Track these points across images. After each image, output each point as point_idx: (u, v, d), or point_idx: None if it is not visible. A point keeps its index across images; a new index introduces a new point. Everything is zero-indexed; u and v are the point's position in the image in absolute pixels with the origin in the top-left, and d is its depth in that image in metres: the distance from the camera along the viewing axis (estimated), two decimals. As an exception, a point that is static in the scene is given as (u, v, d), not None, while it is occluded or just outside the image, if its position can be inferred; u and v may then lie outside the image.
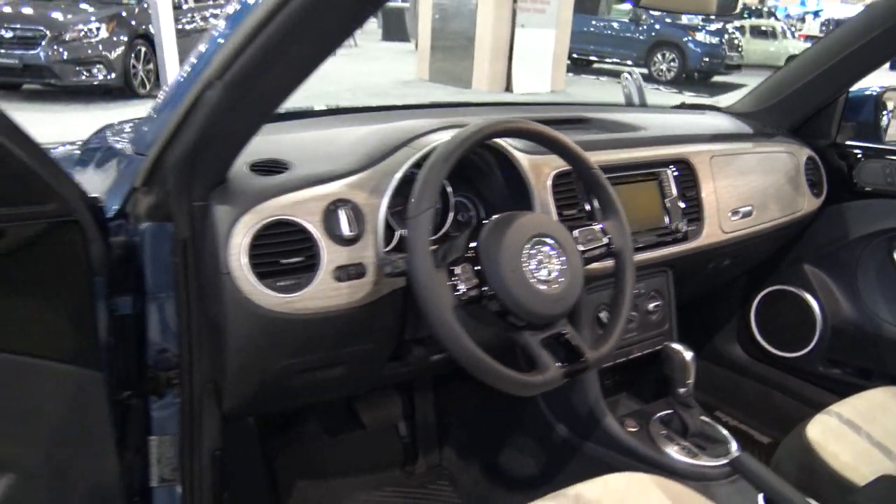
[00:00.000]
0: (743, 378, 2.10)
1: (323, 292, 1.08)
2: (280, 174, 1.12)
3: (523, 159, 1.31)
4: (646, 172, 1.52)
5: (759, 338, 2.04)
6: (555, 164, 1.34)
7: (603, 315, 1.45)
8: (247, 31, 0.86)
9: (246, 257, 1.04)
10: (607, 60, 13.82)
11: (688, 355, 1.35)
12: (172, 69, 8.22)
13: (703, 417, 1.42)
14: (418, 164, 1.15)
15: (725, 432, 1.41)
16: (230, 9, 0.93)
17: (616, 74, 12.96)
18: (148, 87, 8.01)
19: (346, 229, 1.10)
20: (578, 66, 13.68)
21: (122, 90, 7.70)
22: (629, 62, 13.00)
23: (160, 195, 1.06)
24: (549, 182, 1.33)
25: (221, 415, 1.25)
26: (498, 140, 1.28)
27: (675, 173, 1.55)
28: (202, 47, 0.97)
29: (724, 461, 1.34)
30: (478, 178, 1.37)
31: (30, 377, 0.94)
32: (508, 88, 10.10)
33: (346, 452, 1.74)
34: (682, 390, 1.37)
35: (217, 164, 1.06)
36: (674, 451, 1.38)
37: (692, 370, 1.35)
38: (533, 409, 1.56)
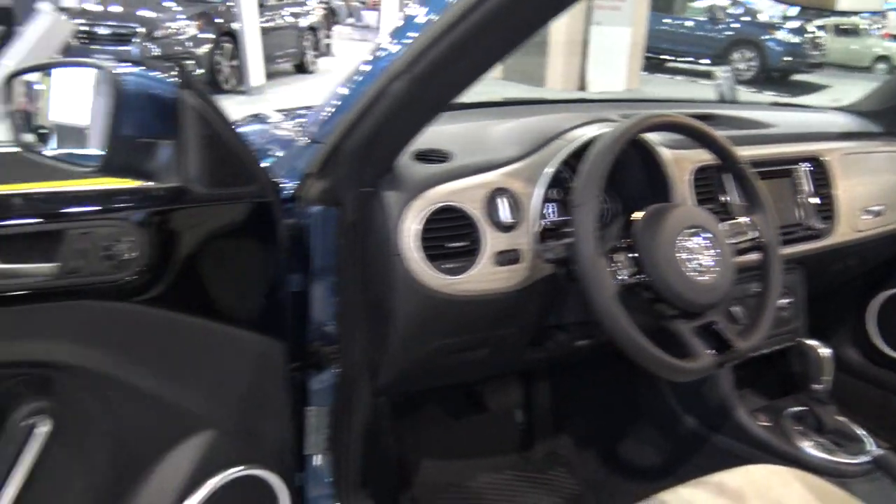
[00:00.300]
0: (859, 382, 2.06)
1: (483, 276, 1.14)
2: (442, 163, 1.18)
3: (666, 153, 1.33)
4: (780, 169, 1.52)
5: (879, 341, 2.00)
6: (695, 159, 1.36)
7: (736, 310, 1.46)
8: (440, 28, 0.91)
9: (417, 240, 1.10)
10: (681, 59, 13.57)
11: (825, 352, 1.35)
12: (256, 65, 8.50)
13: (839, 416, 1.42)
14: (574, 156, 1.20)
15: (862, 431, 1.41)
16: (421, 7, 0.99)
17: (691, 73, 12.72)
18: (232, 82, 8.26)
19: (505, 216, 1.15)
20: (652, 64, 13.46)
21: (207, 85, 7.97)
22: (705, 61, 12.73)
23: (331, 181, 1.13)
24: (690, 176, 1.35)
25: (373, 390, 1.31)
26: (643, 134, 1.31)
27: (809, 170, 1.55)
28: (387, 44, 1.03)
29: (865, 458, 1.33)
30: (617, 171, 1.40)
31: (225, 343, 1.02)
32: (582, 87, 10.03)
33: (465, 435, 1.79)
34: (818, 387, 1.37)
35: (389, 153, 1.12)
36: (809, 447, 1.38)
37: (830, 367, 1.35)
38: (658, 399, 1.58)
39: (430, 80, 0.97)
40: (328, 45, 11.76)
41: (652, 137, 1.33)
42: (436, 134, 1.27)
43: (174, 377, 0.97)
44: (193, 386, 1.00)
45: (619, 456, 1.70)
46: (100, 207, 0.88)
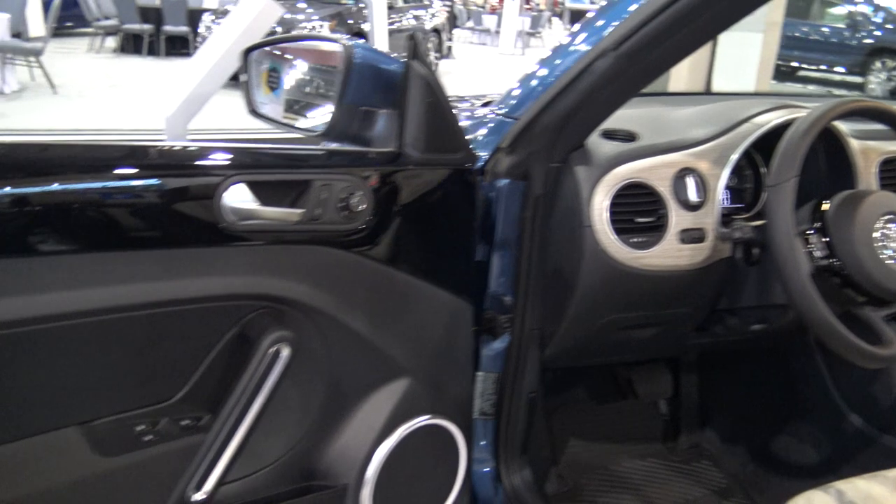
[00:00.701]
0: None
1: (668, 252, 1.17)
2: (630, 142, 1.22)
3: (854, 143, 1.32)
4: None
5: None
6: (882, 150, 1.34)
7: None
8: (654, 7, 0.96)
9: (607, 213, 1.14)
10: (813, 68, 12.91)
11: None
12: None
13: None
14: (764, 139, 1.21)
15: None
16: None
17: (824, 83, 12.09)
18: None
19: (693, 195, 1.18)
20: (780, 72, 12.88)
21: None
22: (840, 69, 12.07)
23: (522, 156, 1.19)
24: (876, 168, 1.33)
25: (540, 360, 1.37)
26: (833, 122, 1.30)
27: None
28: (594, 21, 1.08)
29: None
30: None
31: (424, 299, 1.10)
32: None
33: (610, 420, 1.82)
34: None
35: (583, 129, 1.17)
36: None
37: None
38: (820, 396, 1.55)
39: (635, 58, 1.02)
40: (449, 48, 11.99)
41: (841, 126, 1.32)
42: (619, 116, 1.31)
43: (383, 325, 1.06)
44: (396, 335, 1.08)
45: (772, 452, 1.68)
46: (338, 164, 0.98)
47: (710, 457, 1.78)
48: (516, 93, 1.26)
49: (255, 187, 0.89)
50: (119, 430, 0.88)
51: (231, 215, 0.87)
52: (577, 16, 17.97)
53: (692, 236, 1.18)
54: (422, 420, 1.13)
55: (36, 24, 8.55)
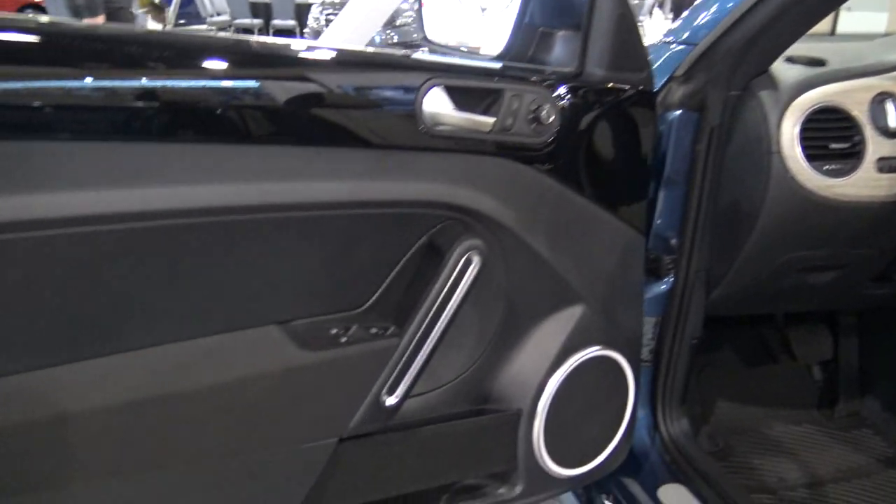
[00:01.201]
0: None
1: (864, 181, 1.10)
2: (819, 66, 1.15)
3: None
4: None
5: None
6: None
7: None
8: None
9: (798, 139, 1.08)
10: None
11: None
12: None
13: None
14: None
15: None
16: None
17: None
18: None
19: (893, 121, 1.10)
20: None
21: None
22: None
23: (698, 84, 1.14)
24: None
25: (705, 305, 1.31)
26: None
27: None
28: None
29: None
30: None
31: (601, 225, 1.07)
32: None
33: (760, 384, 1.74)
34: None
35: (768, 54, 1.11)
36: None
37: None
38: None
39: None
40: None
41: None
42: (800, 45, 1.24)
43: (561, 248, 1.04)
44: (573, 260, 1.06)
45: None
46: (526, 78, 0.96)
47: (872, 426, 1.67)
48: (694, 18, 1.21)
49: (451, 92, 0.89)
50: (315, 331, 0.89)
51: (429, 120, 0.87)
52: (680, 5, 17.42)
53: (890, 165, 1.11)
54: (594, 350, 1.10)
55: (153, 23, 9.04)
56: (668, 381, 1.34)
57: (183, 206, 0.75)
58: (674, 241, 1.26)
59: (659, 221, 1.25)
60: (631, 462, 1.28)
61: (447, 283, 0.91)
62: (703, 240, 1.24)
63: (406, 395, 0.92)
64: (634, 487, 1.32)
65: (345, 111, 0.84)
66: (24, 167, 0.67)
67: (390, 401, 0.91)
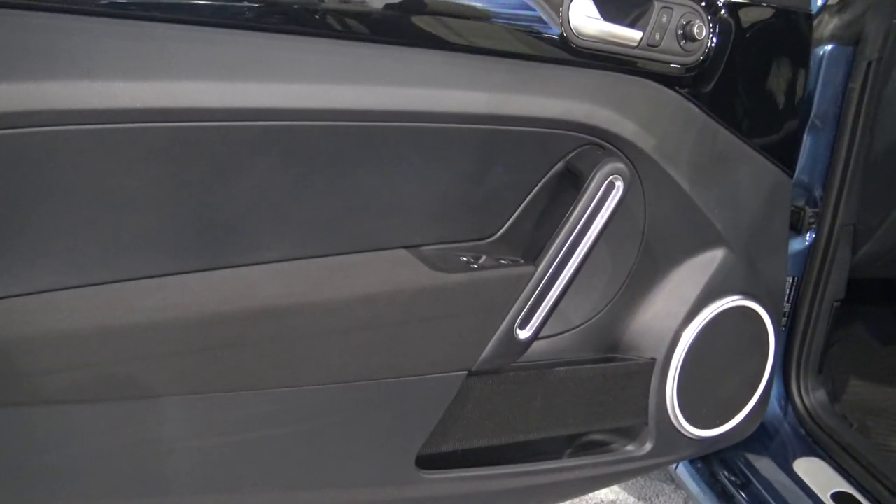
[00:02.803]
0: None
1: None
2: None
3: None
4: None
5: None
6: None
7: None
8: None
9: None
10: None
11: None
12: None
13: None
14: None
15: None
16: None
17: None
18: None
19: None
20: None
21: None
22: None
23: (856, 13, 1.03)
24: None
25: (851, 264, 1.20)
26: None
27: None
28: None
29: None
30: None
31: (746, 162, 0.97)
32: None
33: (892, 361, 1.60)
34: None
35: None
36: None
37: None
38: None
39: None
40: None
41: None
42: None
43: (703, 183, 0.95)
44: (716, 197, 0.97)
45: None
46: None
47: None
48: None
49: (598, 2, 0.82)
50: (447, 256, 0.84)
51: (574, 30, 0.80)
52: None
53: None
54: (734, 300, 1.01)
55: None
56: (805, 348, 1.24)
57: (315, 107, 0.71)
58: (818, 193, 1.16)
59: (803, 169, 1.15)
60: (760, 434, 1.18)
61: (587, 209, 0.84)
62: (853, 191, 1.13)
63: (539, 330, 0.85)
64: (764, 462, 1.22)
65: (487, 16, 0.78)
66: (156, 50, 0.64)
67: (523, 334, 0.85)
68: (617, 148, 0.88)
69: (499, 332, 0.83)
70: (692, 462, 1.28)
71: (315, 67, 0.71)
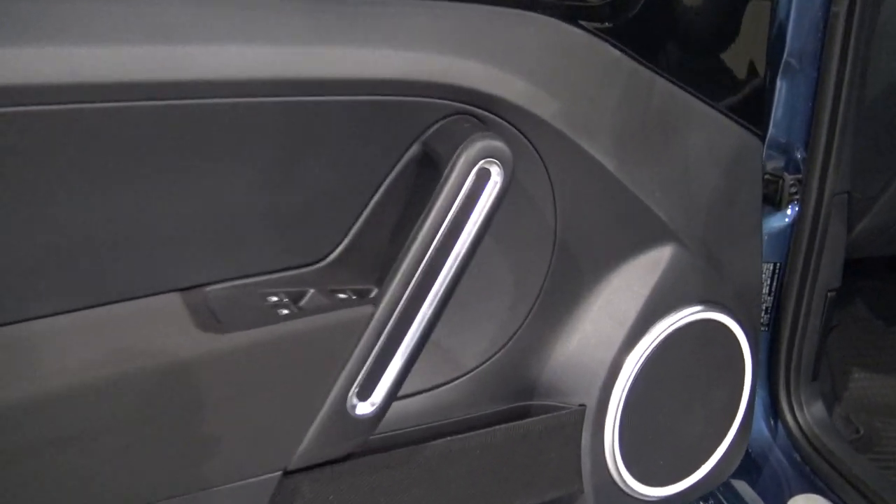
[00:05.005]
0: None
1: None
2: None
3: None
4: None
5: None
6: None
7: None
8: None
9: None
10: None
11: None
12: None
13: None
14: None
15: None
16: None
17: None
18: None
19: None
20: None
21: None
22: None
23: None
24: None
25: (847, 242, 0.95)
26: None
27: None
28: None
29: None
30: None
31: (694, 121, 0.75)
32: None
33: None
34: None
35: None
36: None
37: None
38: None
39: None
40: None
41: None
42: None
43: (637, 160, 0.70)
44: (657, 176, 0.72)
45: None
46: None
47: None
48: None
49: None
50: (242, 299, 0.56)
51: None
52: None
53: None
54: (692, 312, 0.76)
55: None
56: (795, 352, 1.02)
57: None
58: (800, 154, 0.91)
59: (778, 124, 0.91)
60: (746, 465, 0.96)
61: (449, 209, 0.56)
62: (844, 150, 0.90)
63: (390, 399, 0.58)
64: (752, 500, 0.98)
65: None
66: None
67: (362, 409, 0.58)
68: (501, 117, 0.60)
69: (325, 409, 0.56)
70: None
71: None
